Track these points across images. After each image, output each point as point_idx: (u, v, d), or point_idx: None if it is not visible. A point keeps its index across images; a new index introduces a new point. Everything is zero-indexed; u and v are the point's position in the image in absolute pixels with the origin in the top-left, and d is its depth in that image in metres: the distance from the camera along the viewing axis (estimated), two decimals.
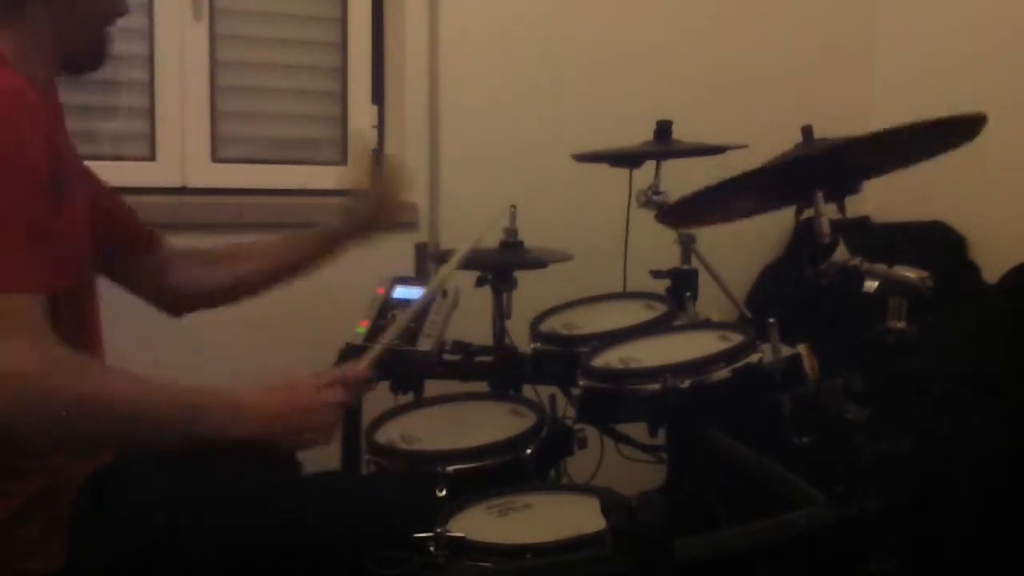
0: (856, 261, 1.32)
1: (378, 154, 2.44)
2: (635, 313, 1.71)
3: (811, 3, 2.71)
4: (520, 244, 1.87)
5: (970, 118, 1.32)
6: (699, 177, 1.41)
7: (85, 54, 1.25)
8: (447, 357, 1.82)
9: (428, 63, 2.37)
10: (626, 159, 1.88)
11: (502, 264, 1.86)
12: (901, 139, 1.35)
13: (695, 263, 1.80)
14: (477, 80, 2.40)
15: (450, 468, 1.42)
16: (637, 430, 1.48)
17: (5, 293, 1.00)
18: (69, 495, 1.15)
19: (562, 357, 1.63)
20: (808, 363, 1.35)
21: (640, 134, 1.85)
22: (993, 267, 2.29)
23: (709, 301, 1.80)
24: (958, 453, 1.72)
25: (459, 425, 1.62)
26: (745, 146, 1.70)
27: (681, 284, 1.79)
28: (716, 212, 1.65)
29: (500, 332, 1.88)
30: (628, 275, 2.02)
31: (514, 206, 1.88)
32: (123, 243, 1.48)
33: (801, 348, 1.37)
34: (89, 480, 1.17)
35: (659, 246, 1.83)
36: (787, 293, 2.37)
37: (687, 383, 1.30)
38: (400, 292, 1.83)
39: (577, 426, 1.56)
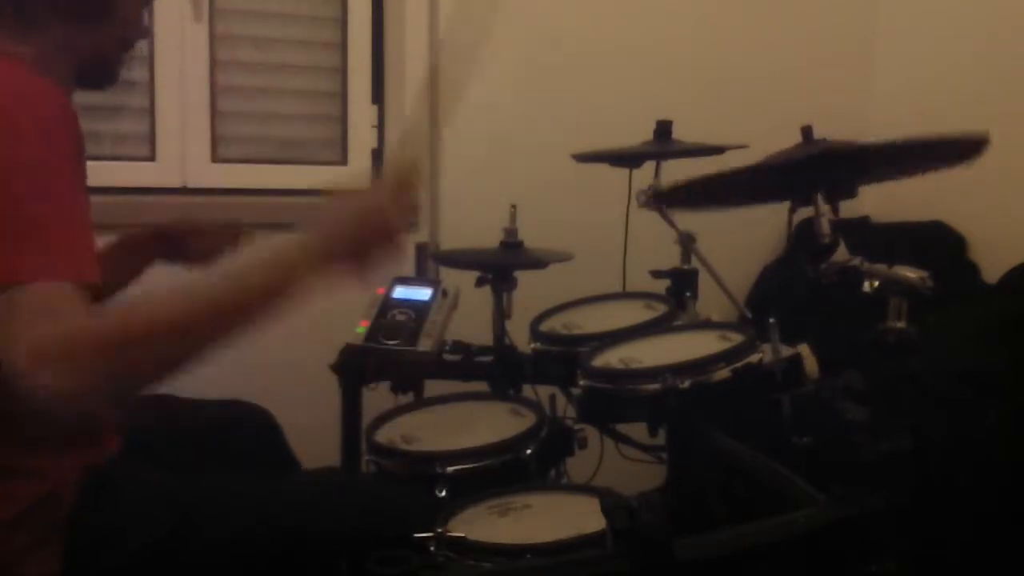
0: (856, 261, 1.32)
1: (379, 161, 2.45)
2: (635, 313, 1.71)
3: (811, 3, 2.71)
4: (520, 244, 1.87)
5: (974, 138, 1.32)
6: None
7: (100, 74, 1.25)
8: (447, 357, 1.82)
9: (428, 63, 2.37)
10: (626, 159, 1.88)
11: (502, 264, 1.86)
12: (903, 151, 1.35)
13: (695, 263, 1.80)
14: (477, 80, 2.39)
15: (450, 469, 1.42)
16: (637, 430, 1.48)
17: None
18: (66, 501, 1.14)
19: (562, 357, 1.63)
20: (808, 363, 1.35)
21: (640, 134, 1.85)
22: (993, 267, 2.29)
23: (709, 301, 1.80)
24: (958, 453, 1.72)
25: (459, 425, 1.62)
26: (745, 146, 1.70)
27: (681, 284, 1.79)
28: (711, 203, 1.65)
29: (500, 332, 1.88)
30: (628, 275, 2.02)
31: (514, 206, 1.88)
32: None
33: (801, 348, 1.37)
34: (86, 483, 1.17)
35: (659, 246, 1.83)
36: (787, 293, 2.36)
37: (687, 383, 1.30)
38: (400, 292, 1.83)
39: (577, 426, 1.56)
